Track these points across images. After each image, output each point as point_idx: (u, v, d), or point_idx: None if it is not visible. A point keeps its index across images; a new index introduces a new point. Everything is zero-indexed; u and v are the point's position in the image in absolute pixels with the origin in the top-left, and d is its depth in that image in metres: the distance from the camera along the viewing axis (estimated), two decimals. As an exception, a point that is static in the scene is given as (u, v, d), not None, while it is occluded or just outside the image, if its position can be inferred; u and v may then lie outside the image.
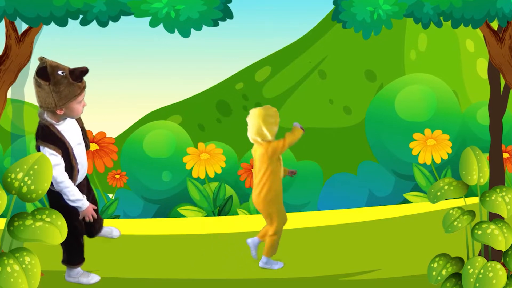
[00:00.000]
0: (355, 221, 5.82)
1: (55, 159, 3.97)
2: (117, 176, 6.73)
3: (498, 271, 3.78)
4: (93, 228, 4.51)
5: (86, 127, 4.28)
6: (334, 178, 7.10)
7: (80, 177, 4.19)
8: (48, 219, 3.54)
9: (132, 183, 6.75)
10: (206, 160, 6.75)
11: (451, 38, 7.09)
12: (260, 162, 4.54)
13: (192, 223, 6.27)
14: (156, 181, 6.73)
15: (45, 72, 3.87)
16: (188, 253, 4.98)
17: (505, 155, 6.81)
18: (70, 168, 4.08)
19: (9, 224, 3.52)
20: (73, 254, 4.32)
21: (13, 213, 3.57)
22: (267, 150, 4.49)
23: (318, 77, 7.07)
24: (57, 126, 4.04)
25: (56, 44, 5.90)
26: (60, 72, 3.88)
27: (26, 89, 4.84)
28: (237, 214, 6.77)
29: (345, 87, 7.03)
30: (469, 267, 3.82)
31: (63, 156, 4.01)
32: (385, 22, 3.56)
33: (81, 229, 4.29)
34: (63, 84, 3.87)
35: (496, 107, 4.22)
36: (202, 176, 6.78)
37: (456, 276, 3.92)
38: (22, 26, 3.70)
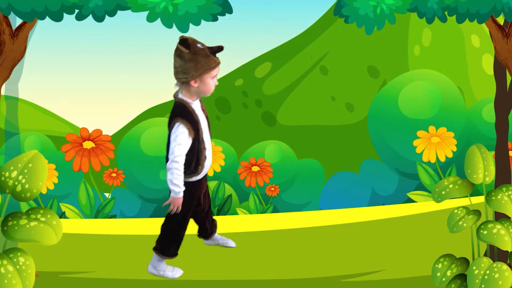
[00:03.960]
0: (357, 221, 5.81)
1: (184, 137, 4.15)
2: (114, 174, 6.68)
3: (504, 272, 3.78)
4: (206, 230, 4.75)
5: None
6: (336, 177, 7.08)
7: (207, 164, 4.32)
8: (43, 219, 3.52)
9: (129, 181, 6.70)
10: (205, 158, 6.70)
11: (456, 33, 7.06)
12: None
13: (190, 223, 6.22)
14: (153, 179, 6.69)
15: (187, 42, 4.11)
16: (186, 254, 4.95)
17: (511, 153, 6.75)
18: (198, 152, 4.24)
19: (3, 224, 3.51)
20: (169, 244, 4.36)
21: (7, 213, 3.54)
22: None
23: (319, 73, 7.03)
24: (192, 105, 4.21)
25: (51, 39, 5.87)
26: (199, 45, 4.14)
27: (20, 86, 4.84)
28: (236, 213, 6.73)
29: (348, 84, 7.02)
30: (474, 268, 3.81)
31: (194, 138, 4.19)
32: (388, 16, 3.55)
33: (187, 223, 4.42)
34: (201, 54, 4.12)
35: (502, 103, 4.21)
36: (201, 175, 6.72)
37: (461, 277, 3.91)
38: (16, 21, 3.68)
